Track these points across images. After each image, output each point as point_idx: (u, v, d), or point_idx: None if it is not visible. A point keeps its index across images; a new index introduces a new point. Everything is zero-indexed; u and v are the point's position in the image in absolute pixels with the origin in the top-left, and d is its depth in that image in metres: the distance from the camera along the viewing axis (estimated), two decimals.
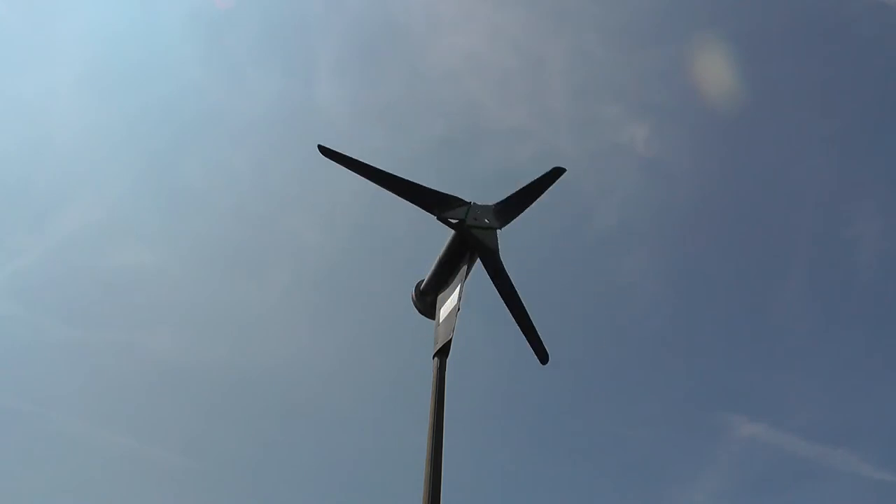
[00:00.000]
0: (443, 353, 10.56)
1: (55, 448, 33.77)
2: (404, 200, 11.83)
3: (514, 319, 11.86)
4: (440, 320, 11.25)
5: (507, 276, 11.72)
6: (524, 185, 12.66)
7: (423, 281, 12.28)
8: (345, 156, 11.84)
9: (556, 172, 12.96)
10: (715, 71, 37.88)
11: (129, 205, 39.70)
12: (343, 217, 41.24)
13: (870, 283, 39.43)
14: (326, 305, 41.00)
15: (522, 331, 11.92)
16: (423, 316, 12.16)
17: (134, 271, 38.51)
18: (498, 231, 11.90)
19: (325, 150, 11.82)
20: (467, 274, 11.41)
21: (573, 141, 42.08)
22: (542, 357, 12.08)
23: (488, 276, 11.71)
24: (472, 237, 11.60)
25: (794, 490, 36.12)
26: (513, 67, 42.36)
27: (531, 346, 11.99)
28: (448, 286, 11.65)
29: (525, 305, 11.86)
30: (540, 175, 12.79)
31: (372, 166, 11.90)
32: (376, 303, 38.14)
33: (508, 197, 12.40)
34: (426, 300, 12.10)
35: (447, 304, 11.25)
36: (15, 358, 35.56)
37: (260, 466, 35.76)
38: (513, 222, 12.35)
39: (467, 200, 11.95)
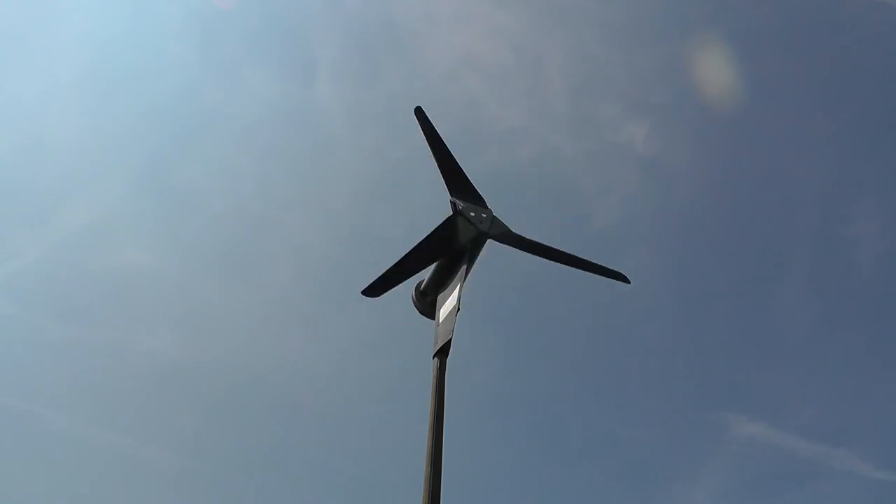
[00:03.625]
0: (443, 353, 10.56)
1: (52, 447, 33.80)
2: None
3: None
4: (440, 320, 11.26)
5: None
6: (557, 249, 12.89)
7: (423, 281, 12.30)
8: (433, 129, 12.32)
9: (617, 276, 13.20)
10: (714, 70, 37.89)
11: (129, 205, 39.71)
12: (343, 217, 41.25)
13: (869, 282, 39.45)
14: (326, 305, 41.03)
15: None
16: (423, 316, 12.18)
17: (132, 271, 38.52)
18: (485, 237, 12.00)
19: (420, 114, 12.30)
20: (466, 274, 11.42)
21: (572, 140, 42.13)
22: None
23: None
24: (457, 224, 11.75)
25: (794, 490, 36.16)
26: (512, 66, 42.39)
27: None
28: (448, 286, 11.65)
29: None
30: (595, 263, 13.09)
31: (440, 143, 12.35)
32: (376, 303, 38.06)
33: (532, 241, 12.51)
34: (426, 300, 12.12)
35: (447, 305, 11.26)
36: (13, 358, 35.59)
37: (259, 466, 35.78)
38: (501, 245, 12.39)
39: (489, 207, 12.19)
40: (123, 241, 38.45)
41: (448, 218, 11.89)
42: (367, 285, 12.01)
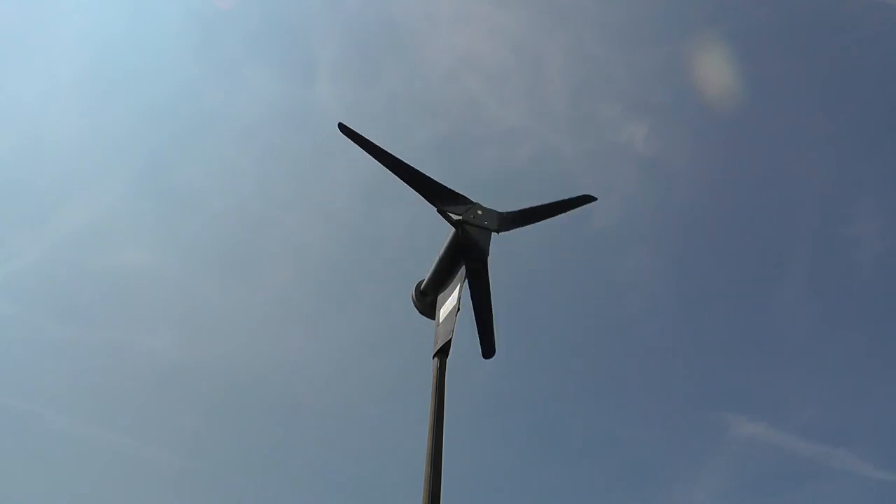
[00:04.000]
0: (443, 353, 10.54)
1: (52, 447, 33.80)
2: (410, 190, 11.81)
3: (473, 308, 11.53)
4: (440, 320, 11.24)
5: (487, 279, 11.53)
6: (549, 202, 12.55)
7: (423, 281, 12.26)
8: (363, 137, 11.95)
9: (585, 199, 12.87)
10: (715, 70, 37.89)
11: (129, 205, 39.71)
12: (343, 217, 41.25)
13: (869, 282, 39.45)
14: (326, 305, 41.03)
15: (477, 322, 11.57)
16: (423, 316, 12.15)
17: (132, 271, 38.52)
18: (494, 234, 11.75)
19: (344, 129, 11.91)
20: (466, 274, 11.39)
21: (572, 140, 42.12)
22: (487, 352, 11.63)
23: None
24: (465, 233, 11.53)
25: (794, 490, 36.14)
26: (512, 66, 42.38)
27: (480, 338, 11.59)
28: (448, 286, 11.63)
29: (492, 305, 11.60)
30: (567, 198, 12.68)
31: (387, 151, 11.95)
32: (376, 303, 38.17)
33: (524, 209, 12.29)
34: (426, 300, 12.07)
35: (447, 305, 11.24)
36: (13, 358, 35.60)
37: (259, 466, 35.79)
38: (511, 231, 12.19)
39: (474, 201, 11.87)
40: (123, 241, 38.48)
41: (453, 237, 11.59)
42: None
